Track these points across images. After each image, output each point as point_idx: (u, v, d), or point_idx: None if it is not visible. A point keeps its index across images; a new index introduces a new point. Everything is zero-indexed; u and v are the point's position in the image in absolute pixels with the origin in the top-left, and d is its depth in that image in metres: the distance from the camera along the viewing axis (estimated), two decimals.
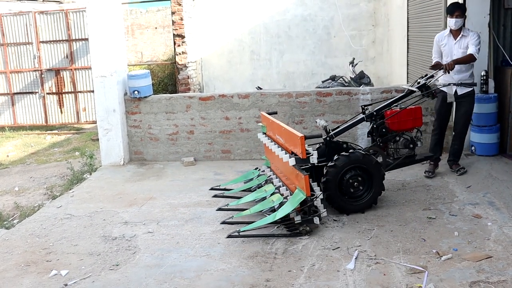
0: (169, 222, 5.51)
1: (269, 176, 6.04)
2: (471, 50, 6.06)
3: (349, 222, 5.21)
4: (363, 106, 6.03)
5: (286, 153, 5.28)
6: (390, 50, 12.12)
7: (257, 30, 13.20)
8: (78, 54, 12.38)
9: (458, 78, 6.22)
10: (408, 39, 10.22)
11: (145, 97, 8.12)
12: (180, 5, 11.95)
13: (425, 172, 6.61)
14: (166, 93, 12.29)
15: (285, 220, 5.04)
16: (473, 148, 7.11)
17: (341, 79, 10.36)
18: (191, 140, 8.11)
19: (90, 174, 7.73)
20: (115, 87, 7.96)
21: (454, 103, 6.51)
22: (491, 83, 7.05)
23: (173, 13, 12.05)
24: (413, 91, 5.98)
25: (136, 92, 8.01)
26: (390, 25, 12.00)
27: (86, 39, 11.48)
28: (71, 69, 12.40)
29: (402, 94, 6.07)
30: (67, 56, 12.40)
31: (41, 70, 12.48)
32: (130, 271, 4.39)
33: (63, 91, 12.52)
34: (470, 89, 6.24)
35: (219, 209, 5.70)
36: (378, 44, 12.78)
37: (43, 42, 12.44)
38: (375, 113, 5.86)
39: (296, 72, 13.19)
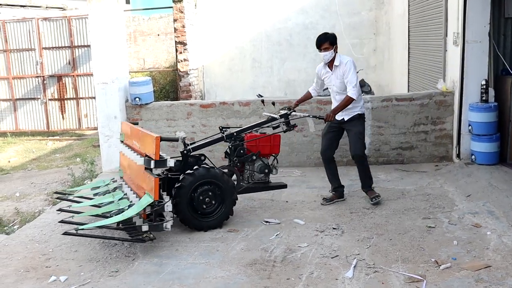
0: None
1: (119, 184, 5.98)
2: (349, 92, 5.67)
3: (348, 230, 5.21)
4: (221, 127, 6.07)
5: (140, 157, 5.28)
6: (391, 59, 12.15)
7: (258, 37, 13.24)
8: (80, 61, 12.44)
9: (346, 113, 5.87)
10: (409, 48, 10.26)
11: (146, 104, 8.15)
12: (182, 12, 12.00)
13: (322, 199, 6.19)
14: (167, 100, 12.32)
15: (127, 224, 4.98)
16: (473, 157, 7.12)
17: None
18: None
19: (91, 180, 7.74)
20: (116, 94, 7.99)
21: (346, 131, 6.05)
22: (491, 92, 7.06)
23: (175, 20, 12.10)
24: (275, 118, 5.94)
25: (137, 99, 8.04)
26: (391, 33, 12.04)
27: (89, 46, 11.53)
28: (73, 76, 12.45)
29: (264, 120, 6.06)
30: (69, 63, 12.46)
31: (43, 76, 12.54)
32: (129, 278, 4.40)
33: (65, 97, 12.57)
34: (357, 112, 5.88)
35: (60, 210, 5.72)
36: (379, 53, 12.82)
37: (45, 48, 12.51)
38: (235, 134, 5.86)
39: (297, 80, 13.21)
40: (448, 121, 7.55)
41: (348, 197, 6.29)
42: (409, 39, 10.24)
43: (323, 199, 6.19)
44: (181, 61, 12.17)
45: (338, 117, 5.89)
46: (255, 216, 5.80)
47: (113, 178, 6.32)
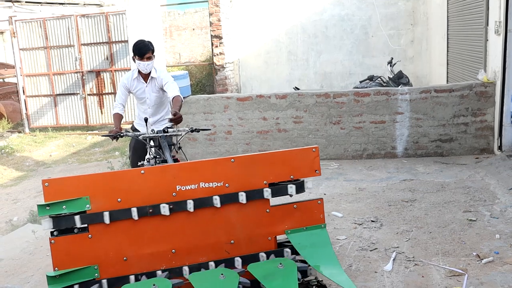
0: None
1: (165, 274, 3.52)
2: (177, 93, 5.10)
3: (387, 223, 5.16)
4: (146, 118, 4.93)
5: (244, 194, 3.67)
6: (429, 49, 11.93)
7: (294, 30, 13.20)
8: (118, 56, 12.62)
9: (156, 125, 5.42)
10: (448, 38, 10.05)
11: (184, 97, 8.22)
12: (217, 6, 12.06)
13: None
14: (204, 94, 12.41)
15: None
16: None
17: (379, 79, 10.27)
18: (228, 140, 8.18)
19: None
20: None
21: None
22: None
23: (210, 14, 12.16)
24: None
25: None
26: (429, 24, 11.81)
27: (126, 41, 11.70)
28: (111, 71, 12.65)
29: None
30: (107, 58, 12.66)
31: (82, 72, 12.79)
32: None
33: (103, 92, 12.79)
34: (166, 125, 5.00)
35: None
36: (417, 43, 12.60)
37: (84, 44, 12.74)
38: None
39: (333, 72, 13.13)
40: (489, 112, 7.38)
41: (386, 190, 6.23)
42: (448, 29, 10.04)
43: None
44: (217, 54, 12.23)
45: (150, 127, 5.08)
46: None
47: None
